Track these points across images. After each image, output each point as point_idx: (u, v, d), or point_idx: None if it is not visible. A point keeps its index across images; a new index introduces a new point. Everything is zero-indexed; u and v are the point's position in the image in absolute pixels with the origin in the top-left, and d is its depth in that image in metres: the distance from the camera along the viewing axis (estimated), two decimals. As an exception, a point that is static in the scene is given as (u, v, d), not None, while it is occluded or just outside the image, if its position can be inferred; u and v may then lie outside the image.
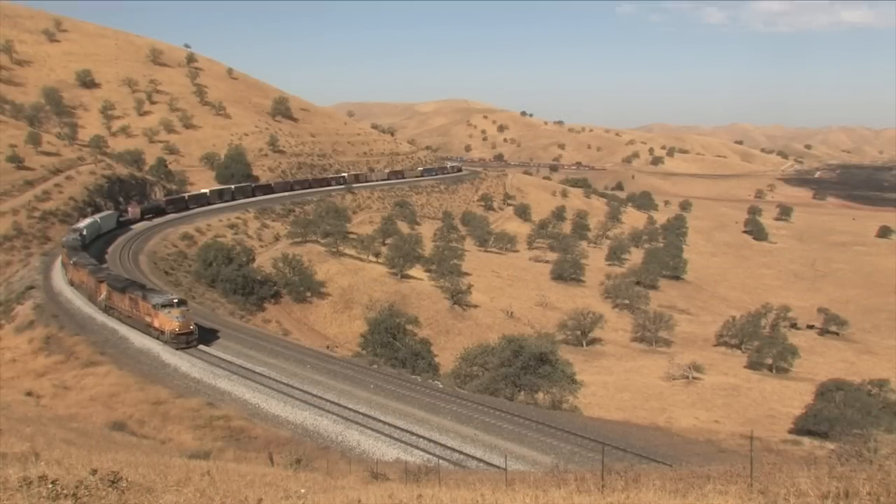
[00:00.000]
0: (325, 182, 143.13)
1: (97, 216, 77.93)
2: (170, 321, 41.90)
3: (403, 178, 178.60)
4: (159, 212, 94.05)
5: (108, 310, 48.68)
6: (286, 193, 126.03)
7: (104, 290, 48.89)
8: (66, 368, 39.41)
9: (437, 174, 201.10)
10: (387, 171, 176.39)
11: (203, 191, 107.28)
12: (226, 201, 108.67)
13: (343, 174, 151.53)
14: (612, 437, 29.29)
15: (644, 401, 63.50)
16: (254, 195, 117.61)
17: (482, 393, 39.42)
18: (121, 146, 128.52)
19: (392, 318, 58.00)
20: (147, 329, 43.96)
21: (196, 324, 44.23)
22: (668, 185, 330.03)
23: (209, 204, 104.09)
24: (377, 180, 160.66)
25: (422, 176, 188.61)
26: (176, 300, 43.23)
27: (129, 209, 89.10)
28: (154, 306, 42.47)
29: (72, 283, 57.08)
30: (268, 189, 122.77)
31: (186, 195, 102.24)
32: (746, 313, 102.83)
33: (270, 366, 40.30)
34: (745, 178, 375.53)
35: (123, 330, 46.62)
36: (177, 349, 41.45)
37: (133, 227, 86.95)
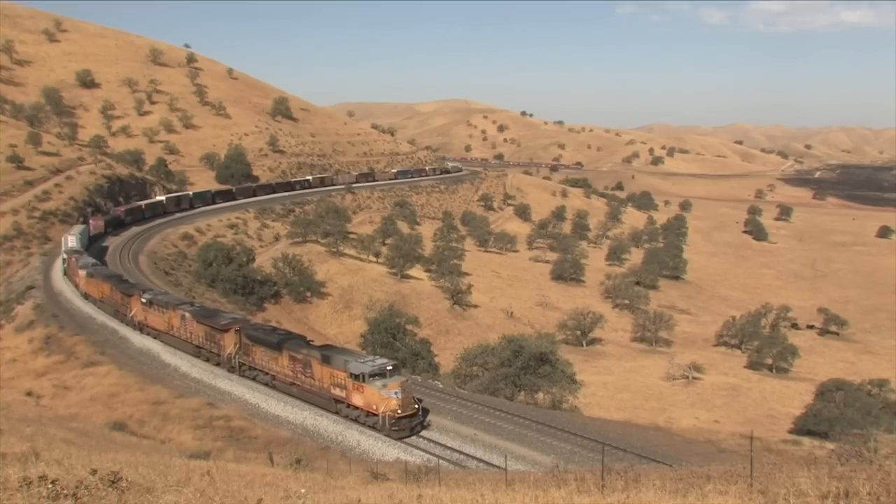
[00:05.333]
0: (290, 186, 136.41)
1: (76, 231, 68.98)
2: (384, 399, 28.77)
3: (374, 180, 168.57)
4: (119, 223, 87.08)
5: (240, 368, 36.98)
6: (248, 200, 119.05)
7: (232, 343, 37.09)
8: (66, 368, 39.40)
9: (412, 176, 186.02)
10: (355, 174, 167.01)
11: (159, 198, 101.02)
12: (183, 209, 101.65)
13: (308, 178, 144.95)
14: (612, 437, 29.27)
15: (644, 401, 63.52)
16: (213, 202, 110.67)
17: (482, 393, 39.40)
18: (121, 146, 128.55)
19: (392, 318, 58.11)
20: (331, 404, 31.41)
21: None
22: (668, 185, 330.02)
23: (165, 213, 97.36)
24: (344, 183, 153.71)
25: (395, 178, 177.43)
26: (389, 366, 29.93)
27: (92, 222, 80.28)
28: (354, 377, 29.62)
29: (142, 328, 45.06)
30: (228, 195, 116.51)
31: (143, 204, 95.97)
32: (746, 313, 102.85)
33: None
34: (745, 178, 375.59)
35: (124, 330, 46.51)
36: (398, 439, 28.88)
37: (104, 243, 77.21)
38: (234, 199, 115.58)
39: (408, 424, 29.21)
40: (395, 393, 28.93)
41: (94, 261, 57.46)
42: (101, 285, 50.69)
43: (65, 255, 62.29)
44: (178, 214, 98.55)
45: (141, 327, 44.97)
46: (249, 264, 78.49)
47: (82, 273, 53.81)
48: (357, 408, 30.08)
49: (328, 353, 32.19)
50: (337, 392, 30.86)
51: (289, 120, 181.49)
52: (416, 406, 29.93)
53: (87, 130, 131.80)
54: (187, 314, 40.68)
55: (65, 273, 61.32)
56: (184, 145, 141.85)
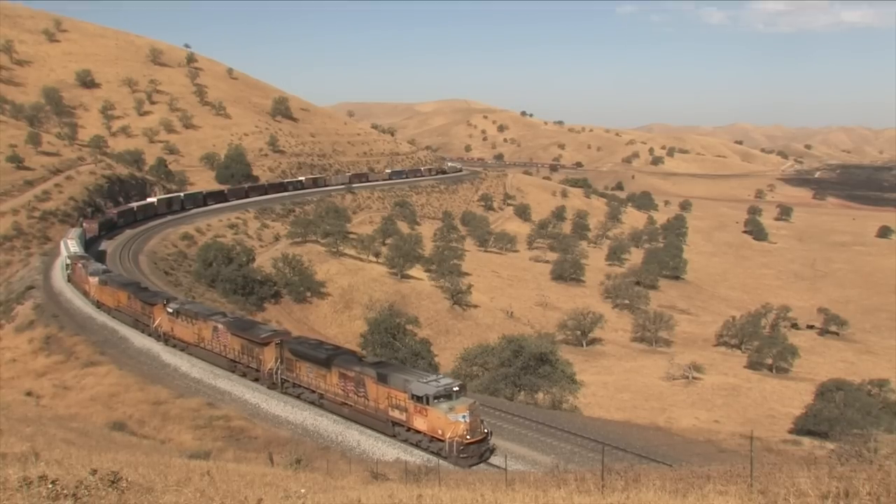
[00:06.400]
0: (282, 188, 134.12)
1: (75, 235, 67.32)
2: (451, 423, 26.17)
3: (367, 181, 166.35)
4: (112, 226, 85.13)
5: (283, 385, 34.55)
6: (239, 201, 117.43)
7: (273, 357, 34.70)
8: (66, 368, 39.40)
9: (406, 177, 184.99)
10: (349, 174, 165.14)
11: (150, 200, 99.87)
12: (174, 211, 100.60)
13: (301, 178, 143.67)
14: (612, 437, 29.29)
15: (644, 401, 63.51)
16: (205, 204, 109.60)
17: (482, 393, 39.43)
18: (121, 146, 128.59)
19: (392, 318, 58.10)
20: (388, 427, 28.93)
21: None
22: (669, 185, 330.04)
23: (156, 215, 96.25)
24: (337, 184, 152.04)
25: (389, 179, 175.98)
26: (455, 387, 27.44)
27: (86, 225, 76.84)
28: (417, 398, 27.09)
29: (167, 340, 42.79)
30: (220, 196, 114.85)
31: (135, 206, 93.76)
32: (746, 313, 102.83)
33: None
34: (745, 178, 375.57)
35: (124, 330, 46.45)
36: (467, 467, 25.86)
37: (100, 246, 74.88)
38: (226, 201, 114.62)
39: (476, 451, 26.56)
40: (463, 416, 26.33)
41: (104, 267, 54.75)
42: (116, 293, 48.01)
43: (68, 261, 59.77)
44: (169, 217, 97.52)
45: (166, 339, 42.67)
46: (249, 264, 78.50)
47: (93, 280, 51.08)
48: (419, 432, 27.51)
49: (385, 370, 29.41)
50: (396, 414, 28.32)
51: (289, 120, 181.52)
52: (486, 430, 27.29)
53: (87, 130, 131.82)
54: (220, 326, 37.98)
55: (69, 280, 58.94)
56: (184, 145, 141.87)
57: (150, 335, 44.08)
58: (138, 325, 45.66)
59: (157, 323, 43.31)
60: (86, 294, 53.59)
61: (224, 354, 37.97)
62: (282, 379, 34.46)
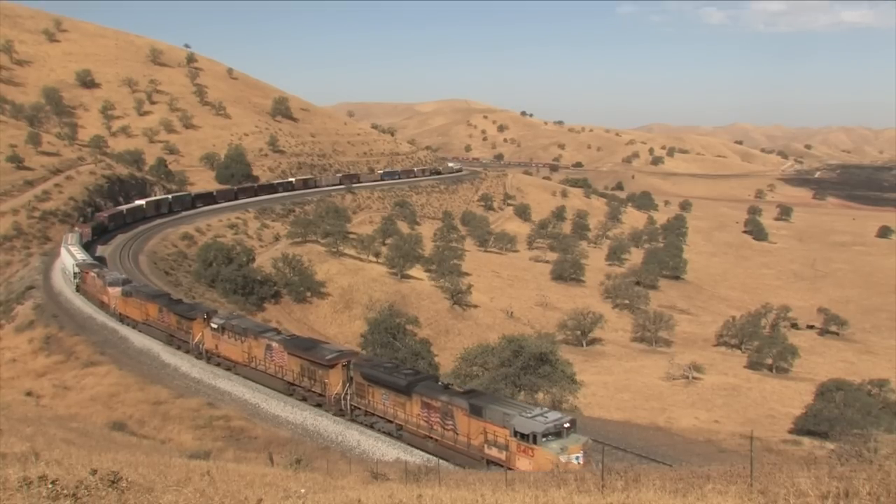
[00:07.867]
0: (273, 189, 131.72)
1: (76, 241, 65.54)
2: (561, 465, 22.57)
3: (359, 182, 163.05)
4: (104, 229, 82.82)
5: (352, 412, 31.22)
6: (229, 203, 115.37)
7: (339, 381, 31.42)
8: (66, 368, 39.42)
9: (400, 177, 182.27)
10: (339, 175, 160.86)
11: (139, 202, 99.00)
12: (162, 214, 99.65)
13: (291, 179, 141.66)
14: (612, 437, 29.29)
15: (644, 401, 63.51)
16: (194, 206, 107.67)
17: (482, 393, 39.33)
18: (121, 146, 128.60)
19: (392, 318, 58.14)
20: (481, 466, 25.08)
21: None
22: (669, 185, 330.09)
23: (145, 217, 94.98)
24: (328, 185, 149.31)
25: (382, 179, 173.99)
26: (566, 423, 23.87)
27: (79, 229, 73.82)
28: (522, 436, 23.63)
29: (209, 357, 39.87)
30: (209, 198, 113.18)
31: (125, 209, 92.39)
32: (746, 313, 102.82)
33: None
34: (745, 178, 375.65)
35: (124, 330, 46.41)
36: None
37: (97, 251, 72.22)
38: (216, 203, 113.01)
39: None
40: (577, 458, 22.78)
41: (124, 276, 52.27)
42: (144, 306, 45.04)
43: (77, 269, 56.20)
44: (158, 220, 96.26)
45: (208, 356, 39.74)
46: (249, 264, 78.49)
47: (114, 291, 47.91)
48: (522, 470, 23.53)
49: (478, 402, 25.79)
50: (493, 453, 24.76)
51: (289, 120, 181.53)
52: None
53: (87, 130, 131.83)
54: (275, 344, 34.81)
55: (78, 289, 55.89)
56: (184, 145, 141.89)
57: (188, 352, 41.35)
58: (173, 340, 42.70)
59: (197, 339, 40.37)
60: (103, 306, 50.50)
61: (280, 376, 34.53)
62: (351, 406, 31.12)
